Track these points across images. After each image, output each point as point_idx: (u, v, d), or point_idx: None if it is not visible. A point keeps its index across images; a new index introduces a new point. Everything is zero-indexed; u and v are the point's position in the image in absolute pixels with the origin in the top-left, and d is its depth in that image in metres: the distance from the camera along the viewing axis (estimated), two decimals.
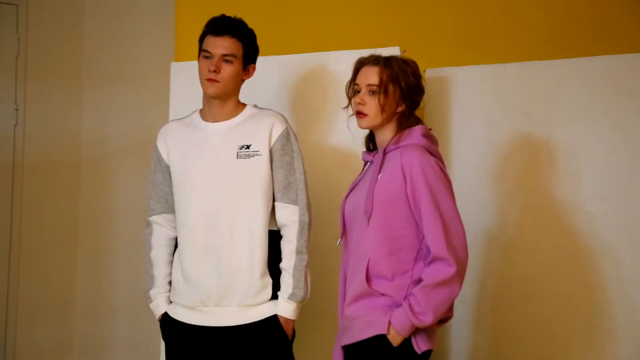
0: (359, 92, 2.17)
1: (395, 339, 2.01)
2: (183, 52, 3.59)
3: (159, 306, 2.45)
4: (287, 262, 2.36)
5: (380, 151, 2.17)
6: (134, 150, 3.81)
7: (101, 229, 3.85)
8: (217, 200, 2.35)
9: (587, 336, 2.70)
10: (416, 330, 2.01)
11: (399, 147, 2.12)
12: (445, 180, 2.08)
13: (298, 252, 2.37)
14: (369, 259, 2.08)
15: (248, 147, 2.38)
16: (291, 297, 2.34)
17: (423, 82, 2.20)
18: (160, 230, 2.50)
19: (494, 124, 2.88)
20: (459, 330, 2.87)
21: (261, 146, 2.38)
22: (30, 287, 3.68)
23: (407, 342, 2.02)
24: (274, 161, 2.40)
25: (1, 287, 3.62)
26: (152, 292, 2.46)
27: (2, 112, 3.66)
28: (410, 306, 1.99)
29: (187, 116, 2.52)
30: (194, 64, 2.40)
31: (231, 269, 2.33)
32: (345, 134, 2.48)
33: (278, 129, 2.41)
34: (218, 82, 2.35)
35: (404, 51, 2.73)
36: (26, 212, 3.70)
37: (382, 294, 2.07)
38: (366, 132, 2.28)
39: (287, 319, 2.34)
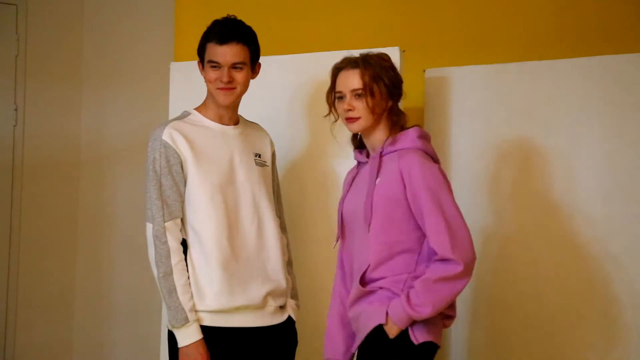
0: (341, 98, 2.15)
1: (391, 330, 2.00)
2: (182, 52, 3.59)
3: (195, 333, 2.18)
4: (288, 270, 2.41)
5: (376, 153, 2.15)
6: (133, 151, 3.81)
7: (101, 229, 3.84)
8: (252, 203, 2.29)
9: (586, 336, 2.69)
10: (414, 322, 2.00)
11: (396, 151, 2.11)
12: (445, 182, 2.07)
13: (291, 263, 2.44)
14: (369, 265, 2.08)
15: (259, 156, 2.37)
16: (297, 303, 2.40)
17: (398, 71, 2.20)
18: (174, 241, 2.20)
19: (493, 124, 2.88)
20: (456, 330, 2.86)
21: (267, 158, 2.40)
22: (30, 287, 3.68)
23: (404, 333, 2.00)
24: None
25: (1, 287, 3.62)
26: (187, 332, 2.16)
27: (1, 112, 3.66)
28: (408, 298, 1.98)
29: (182, 117, 2.33)
30: (194, 64, 2.37)
31: (270, 272, 2.30)
32: (339, 135, 2.45)
33: (273, 144, 2.46)
34: (233, 89, 2.25)
35: (404, 51, 2.74)
36: (26, 212, 3.70)
37: (381, 288, 2.07)
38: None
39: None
